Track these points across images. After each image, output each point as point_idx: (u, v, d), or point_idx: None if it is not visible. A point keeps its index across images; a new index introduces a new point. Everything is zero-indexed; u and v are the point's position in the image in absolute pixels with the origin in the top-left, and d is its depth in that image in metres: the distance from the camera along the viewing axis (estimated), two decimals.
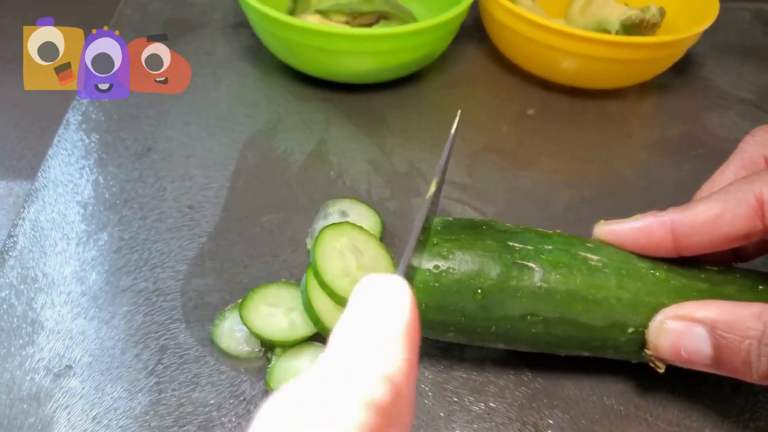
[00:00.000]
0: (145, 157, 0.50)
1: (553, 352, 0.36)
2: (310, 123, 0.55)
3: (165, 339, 0.38)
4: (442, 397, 0.36)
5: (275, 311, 0.38)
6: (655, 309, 0.33)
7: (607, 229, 0.35)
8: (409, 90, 0.59)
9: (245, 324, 0.37)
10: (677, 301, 0.33)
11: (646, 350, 0.33)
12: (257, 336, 0.37)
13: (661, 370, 0.34)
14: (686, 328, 0.31)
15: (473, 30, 0.67)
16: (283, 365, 0.36)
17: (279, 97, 0.57)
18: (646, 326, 0.33)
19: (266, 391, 0.36)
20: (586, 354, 0.36)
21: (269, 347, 0.37)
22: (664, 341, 0.32)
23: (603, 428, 0.35)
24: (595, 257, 0.34)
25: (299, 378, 0.19)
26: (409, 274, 0.26)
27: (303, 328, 0.37)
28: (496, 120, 0.57)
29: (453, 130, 0.32)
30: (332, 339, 0.21)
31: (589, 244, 0.35)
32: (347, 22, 0.59)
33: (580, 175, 0.52)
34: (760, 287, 0.34)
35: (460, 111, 0.35)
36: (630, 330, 0.34)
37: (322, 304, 0.37)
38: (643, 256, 0.35)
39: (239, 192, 0.48)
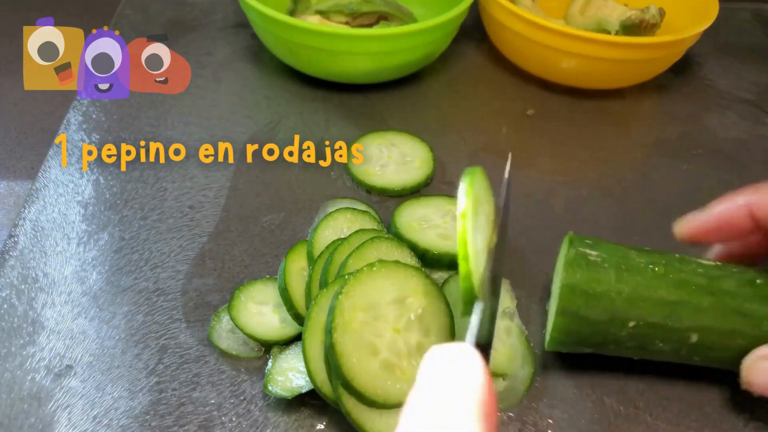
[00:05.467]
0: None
1: (556, 350, 0.36)
2: (310, 123, 0.55)
3: (165, 339, 0.38)
4: None
5: (264, 309, 0.38)
6: (656, 303, 0.33)
7: (690, 226, 0.36)
8: (409, 90, 0.59)
9: (236, 325, 0.37)
10: (676, 294, 0.33)
11: (741, 383, 0.34)
12: (250, 336, 0.37)
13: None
14: None
15: (473, 30, 0.67)
16: (280, 366, 0.36)
17: (279, 97, 0.57)
18: (646, 320, 0.33)
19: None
20: (587, 350, 0.36)
21: (268, 347, 0.37)
22: (759, 380, 0.33)
23: (603, 428, 0.35)
24: (594, 252, 0.35)
25: None
26: (483, 339, 0.24)
27: (295, 324, 0.37)
28: (495, 120, 0.57)
29: (507, 174, 0.32)
30: (403, 419, 0.20)
31: (588, 241, 0.36)
32: (347, 23, 0.60)
33: (580, 175, 0.52)
34: (758, 281, 0.34)
35: (510, 154, 0.35)
36: (631, 324, 0.34)
37: (298, 286, 0.37)
38: (642, 251, 0.35)
39: (240, 192, 0.48)
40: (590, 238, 0.36)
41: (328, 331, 0.31)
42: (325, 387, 0.32)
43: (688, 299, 0.33)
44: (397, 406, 0.32)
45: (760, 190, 0.34)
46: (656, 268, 0.34)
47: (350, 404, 0.31)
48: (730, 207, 0.35)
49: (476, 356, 0.21)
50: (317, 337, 0.33)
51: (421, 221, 0.42)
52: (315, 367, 0.32)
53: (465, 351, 0.21)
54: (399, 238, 0.40)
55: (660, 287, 0.34)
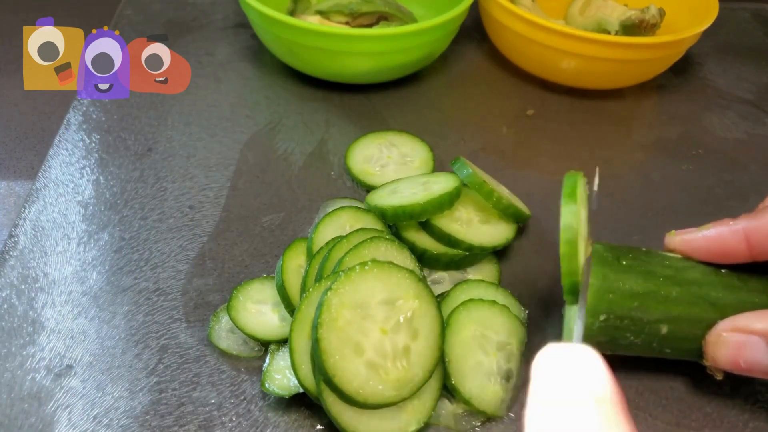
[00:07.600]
0: (145, 157, 0.50)
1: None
2: (311, 123, 0.55)
3: (166, 339, 0.38)
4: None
5: (263, 308, 0.38)
6: (625, 294, 0.33)
7: (679, 239, 0.36)
8: (409, 90, 0.59)
9: (236, 325, 0.37)
10: (644, 285, 0.33)
11: (704, 361, 0.34)
12: (250, 336, 0.37)
13: (720, 378, 0.34)
14: (744, 340, 0.32)
15: (473, 30, 0.67)
16: (278, 364, 0.36)
17: (279, 97, 0.57)
18: (616, 313, 0.33)
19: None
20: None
21: (268, 346, 0.37)
22: (723, 353, 0.33)
23: None
24: None
25: None
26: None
27: None
28: (495, 120, 0.57)
29: (595, 187, 0.33)
30: (534, 415, 0.20)
31: None
32: (347, 23, 0.60)
33: None
34: (723, 270, 0.35)
35: (598, 168, 0.36)
36: (602, 317, 0.34)
37: (295, 283, 0.37)
38: (608, 246, 0.36)
39: (240, 192, 0.48)
40: None
41: (314, 326, 0.31)
42: (307, 380, 0.32)
43: (656, 290, 0.33)
44: (376, 406, 0.31)
45: (758, 217, 0.33)
46: (623, 261, 0.34)
47: (330, 400, 0.31)
48: (726, 232, 0.34)
49: (594, 353, 0.22)
50: (305, 330, 0.33)
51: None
52: (299, 359, 0.32)
53: (584, 350, 0.22)
54: (399, 238, 0.40)
55: (628, 279, 0.34)
